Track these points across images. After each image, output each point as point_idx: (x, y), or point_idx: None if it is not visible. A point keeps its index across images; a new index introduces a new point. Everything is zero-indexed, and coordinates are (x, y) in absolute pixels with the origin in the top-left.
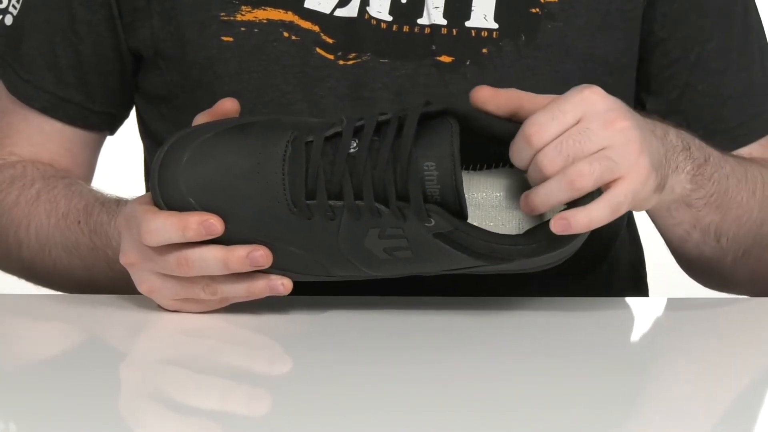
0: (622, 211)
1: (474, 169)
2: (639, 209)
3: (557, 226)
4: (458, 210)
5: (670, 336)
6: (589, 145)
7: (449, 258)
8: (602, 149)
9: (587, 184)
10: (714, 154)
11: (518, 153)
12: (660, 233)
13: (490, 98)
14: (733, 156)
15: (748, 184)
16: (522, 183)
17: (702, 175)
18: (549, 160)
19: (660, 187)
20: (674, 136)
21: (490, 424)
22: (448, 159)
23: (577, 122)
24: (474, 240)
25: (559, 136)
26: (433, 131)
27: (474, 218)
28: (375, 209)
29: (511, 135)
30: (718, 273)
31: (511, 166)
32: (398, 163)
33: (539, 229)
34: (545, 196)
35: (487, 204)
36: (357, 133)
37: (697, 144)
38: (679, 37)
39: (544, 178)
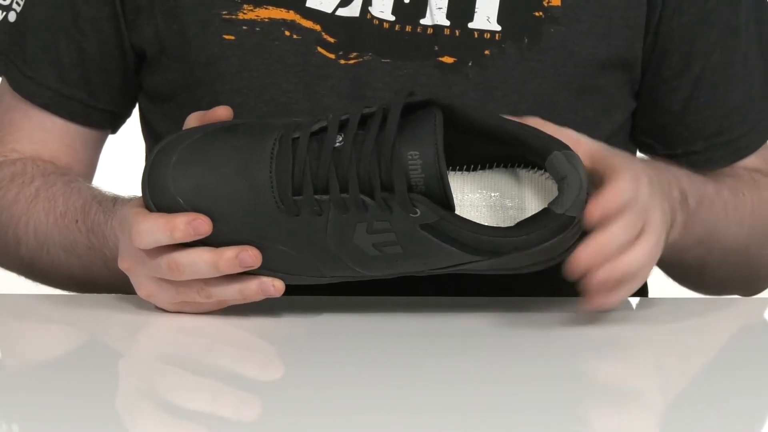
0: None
1: (469, 169)
2: None
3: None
4: (445, 201)
5: (670, 336)
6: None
7: (439, 252)
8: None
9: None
10: (708, 192)
11: (585, 256)
12: None
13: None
14: (727, 184)
15: (737, 215)
16: (517, 183)
17: (693, 224)
18: (596, 273)
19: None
20: (677, 189)
21: (490, 425)
22: (431, 147)
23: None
24: (461, 231)
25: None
26: (416, 121)
27: (470, 218)
28: (361, 202)
29: (499, 130)
30: (699, 289)
31: (506, 166)
32: (382, 154)
33: (529, 222)
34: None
35: (483, 204)
36: (343, 127)
37: (693, 188)
38: (684, 50)
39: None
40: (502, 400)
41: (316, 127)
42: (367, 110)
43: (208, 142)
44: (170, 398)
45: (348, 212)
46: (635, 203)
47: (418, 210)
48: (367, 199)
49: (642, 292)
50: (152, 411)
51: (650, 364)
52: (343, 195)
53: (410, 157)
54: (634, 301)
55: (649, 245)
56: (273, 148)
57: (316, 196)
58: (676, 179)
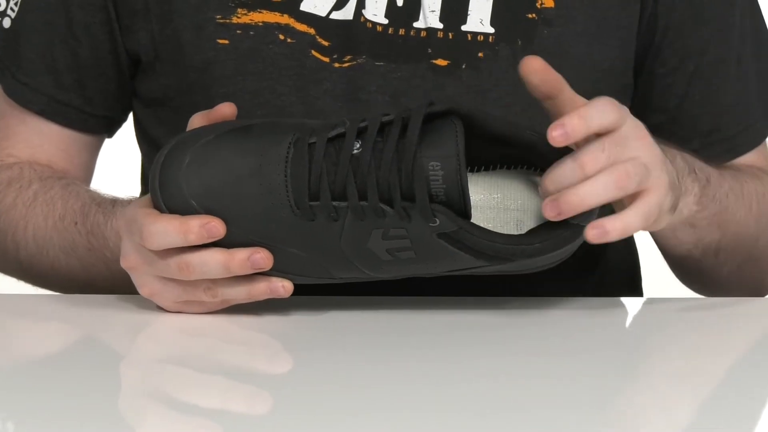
0: (652, 221)
1: (472, 170)
2: (652, 228)
3: (593, 235)
4: (462, 209)
5: (666, 336)
6: (627, 151)
7: (452, 258)
8: (636, 158)
9: (631, 185)
10: (713, 173)
11: (563, 175)
12: (661, 252)
13: (540, 71)
14: (730, 170)
15: (744, 200)
16: (520, 185)
17: (706, 196)
18: (592, 158)
19: (673, 207)
20: (680, 159)
21: (490, 424)
22: (453, 159)
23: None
24: (478, 240)
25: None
26: (437, 131)
27: (473, 219)
28: (380, 210)
29: (511, 137)
30: (713, 283)
31: (509, 167)
32: (403, 163)
33: (541, 229)
34: (587, 195)
35: (486, 205)
36: (360, 134)
37: (698, 165)
38: (677, 47)
39: (580, 179)
40: (504, 399)
41: (333, 133)
42: (386, 118)
43: (221, 143)
44: (172, 396)
45: (365, 219)
46: (617, 132)
47: (438, 220)
48: (386, 207)
49: (637, 292)
50: (153, 409)
51: (650, 365)
52: (361, 203)
53: (432, 168)
54: (628, 300)
55: (647, 208)
56: (288, 152)
57: (334, 203)
58: (682, 154)
